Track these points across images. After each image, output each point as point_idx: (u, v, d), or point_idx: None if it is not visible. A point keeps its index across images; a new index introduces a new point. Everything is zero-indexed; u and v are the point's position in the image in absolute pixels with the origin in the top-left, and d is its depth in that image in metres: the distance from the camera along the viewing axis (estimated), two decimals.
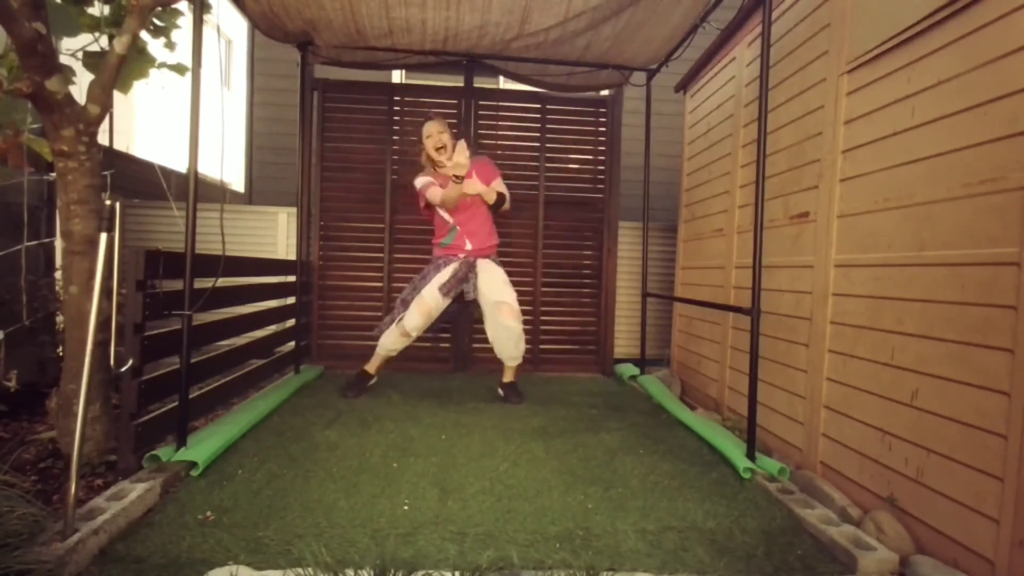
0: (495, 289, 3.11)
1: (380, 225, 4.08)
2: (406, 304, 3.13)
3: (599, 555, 1.58)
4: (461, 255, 3.18)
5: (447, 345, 4.12)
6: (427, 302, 3.06)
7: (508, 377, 3.26)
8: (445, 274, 3.11)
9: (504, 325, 3.07)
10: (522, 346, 3.17)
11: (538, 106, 4.15)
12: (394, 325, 3.12)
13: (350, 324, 4.10)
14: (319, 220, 4.03)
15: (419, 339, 4.07)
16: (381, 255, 4.09)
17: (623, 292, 4.37)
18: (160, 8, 2.40)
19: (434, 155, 3.10)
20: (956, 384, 1.58)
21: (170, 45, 2.76)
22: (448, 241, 3.20)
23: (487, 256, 3.24)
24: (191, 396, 2.24)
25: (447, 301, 3.12)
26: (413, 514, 1.78)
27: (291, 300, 3.60)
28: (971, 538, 1.50)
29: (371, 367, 3.26)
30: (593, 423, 2.82)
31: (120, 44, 2.09)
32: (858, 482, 1.95)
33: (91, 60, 2.49)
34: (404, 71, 5.11)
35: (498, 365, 3.33)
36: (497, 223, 3.35)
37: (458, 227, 3.17)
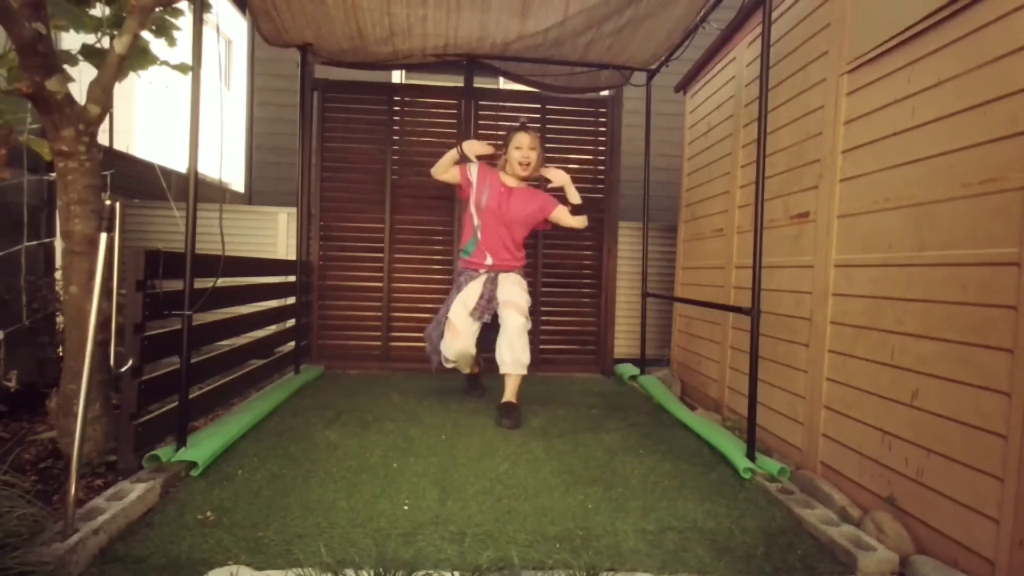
0: (507, 291, 2.93)
1: (380, 225, 4.08)
2: (439, 326, 2.95)
3: (599, 555, 1.58)
4: (482, 270, 2.99)
5: None
6: (454, 324, 2.83)
7: (507, 395, 2.84)
8: (470, 295, 2.90)
9: (506, 319, 2.82)
10: (519, 351, 2.78)
11: (538, 106, 4.16)
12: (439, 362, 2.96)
13: (350, 324, 4.10)
14: (319, 220, 4.03)
15: (419, 339, 4.11)
16: (381, 255, 4.09)
17: (623, 292, 4.37)
18: (160, 8, 2.40)
19: (516, 168, 2.97)
20: (956, 384, 1.58)
21: (171, 41, 2.76)
22: (469, 250, 3.02)
23: (510, 271, 3.03)
24: (191, 396, 2.24)
25: (477, 324, 2.88)
26: (413, 514, 1.78)
27: (291, 300, 3.60)
28: (971, 538, 1.50)
29: (470, 371, 3.15)
30: (593, 423, 2.82)
31: (121, 44, 2.09)
32: (858, 482, 1.95)
33: (92, 58, 2.49)
34: (404, 71, 5.11)
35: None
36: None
37: (480, 236, 2.98)
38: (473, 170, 3.03)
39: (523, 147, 2.95)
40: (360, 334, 4.11)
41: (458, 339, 2.82)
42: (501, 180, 3.02)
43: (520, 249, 3.11)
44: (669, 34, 3.35)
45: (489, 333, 2.96)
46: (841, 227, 2.13)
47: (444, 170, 3.03)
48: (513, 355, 2.79)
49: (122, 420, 1.99)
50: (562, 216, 3.06)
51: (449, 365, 2.98)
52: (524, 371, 2.83)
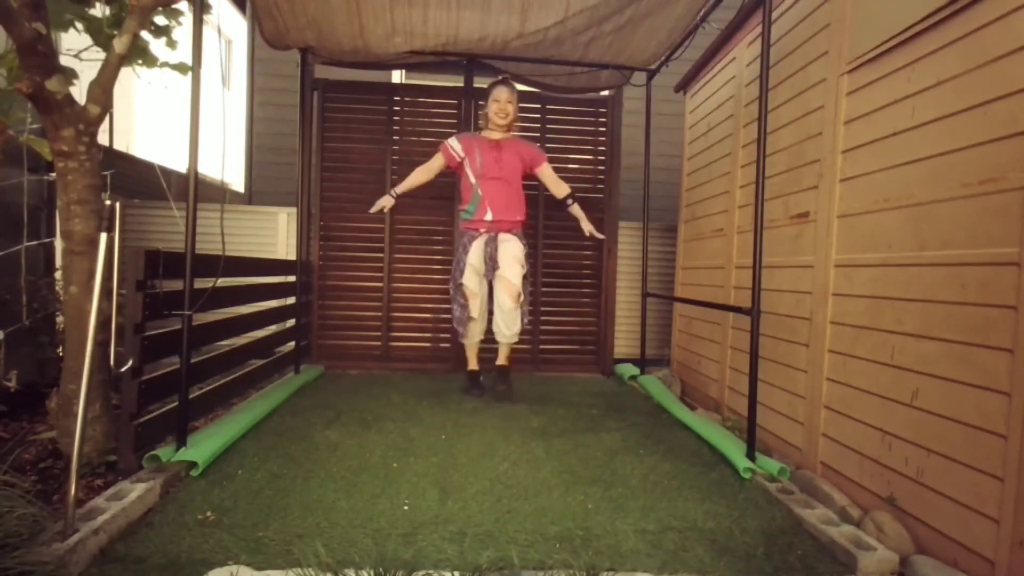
0: (504, 262, 3.08)
1: (380, 225, 4.08)
2: (456, 288, 3.19)
3: (599, 555, 1.58)
4: (483, 229, 3.13)
5: (447, 345, 4.12)
6: (470, 288, 3.10)
7: (500, 358, 3.25)
8: (476, 259, 3.10)
9: (499, 299, 3.09)
10: (515, 327, 3.11)
11: (538, 106, 4.15)
12: (466, 322, 3.19)
13: (350, 324, 4.10)
14: (319, 220, 4.03)
15: (419, 339, 4.12)
16: (381, 255, 4.09)
17: (623, 292, 4.37)
18: (160, 8, 2.40)
19: (495, 119, 3.15)
20: (956, 384, 1.58)
21: (171, 43, 2.76)
22: (471, 210, 3.15)
23: (510, 230, 3.17)
24: (191, 396, 2.24)
25: (486, 281, 3.16)
26: (413, 514, 1.78)
27: (291, 300, 3.60)
28: (971, 538, 1.50)
29: (471, 364, 3.33)
30: (593, 423, 2.82)
31: (120, 44, 2.09)
32: (858, 482, 1.95)
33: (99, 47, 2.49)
34: (404, 71, 5.11)
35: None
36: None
37: (480, 193, 3.12)
38: (456, 146, 3.17)
39: (501, 100, 3.14)
40: (360, 334, 4.11)
41: (476, 299, 3.14)
42: (487, 138, 3.18)
43: (520, 200, 3.22)
44: (669, 34, 3.35)
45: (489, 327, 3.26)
46: (841, 227, 2.13)
47: (424, 180, 3.28)
48: (507, 327, 3.12)
49: (122, 420, 1.99)
50: (548, 175, 3.28)
51: (473, 321, 3.18)
52: (516, 339, 3.18)
